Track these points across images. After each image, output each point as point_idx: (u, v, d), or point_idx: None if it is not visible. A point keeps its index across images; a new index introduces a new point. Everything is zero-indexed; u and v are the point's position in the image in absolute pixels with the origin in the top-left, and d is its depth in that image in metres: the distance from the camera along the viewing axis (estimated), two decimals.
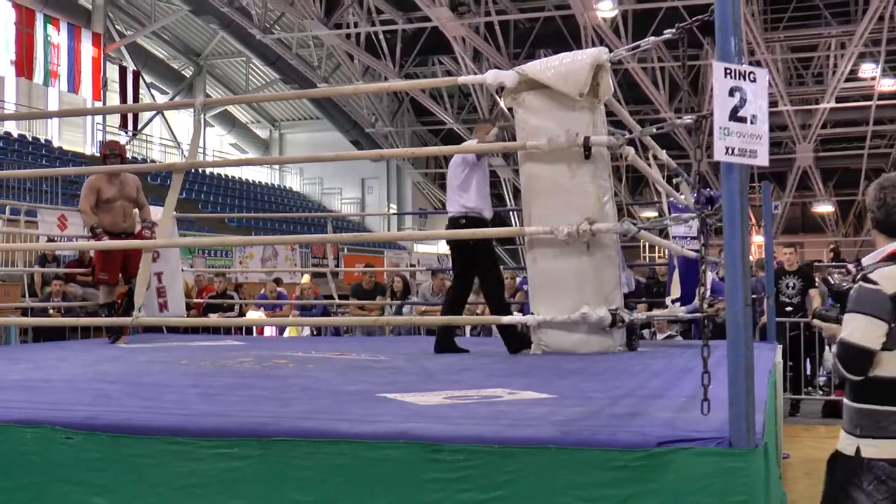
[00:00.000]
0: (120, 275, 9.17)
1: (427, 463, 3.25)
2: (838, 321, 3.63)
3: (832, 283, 5.31)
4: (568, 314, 3.56)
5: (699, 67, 30.83)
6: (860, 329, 3.41)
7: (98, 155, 30.54)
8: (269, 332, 13.87)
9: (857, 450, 3.46)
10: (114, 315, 8.92)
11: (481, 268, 7.24)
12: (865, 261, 3.71)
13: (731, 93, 2.92)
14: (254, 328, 13.42)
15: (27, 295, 11.48)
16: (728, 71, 2.92)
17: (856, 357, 3.42)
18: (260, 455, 3.42)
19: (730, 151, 2.93)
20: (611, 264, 3.66)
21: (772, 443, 3.64)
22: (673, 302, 7.81)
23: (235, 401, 4.48)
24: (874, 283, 3.42)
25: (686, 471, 3.04)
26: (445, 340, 7.36)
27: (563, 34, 27.04)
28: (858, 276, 3.52)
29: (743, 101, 2.93)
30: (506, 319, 4.05)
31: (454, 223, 7.13)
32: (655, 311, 6.96)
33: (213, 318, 11.15)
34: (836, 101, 32.12)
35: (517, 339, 7.09)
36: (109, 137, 33.24)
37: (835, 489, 3.52)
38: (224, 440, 3.47)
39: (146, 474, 3.53)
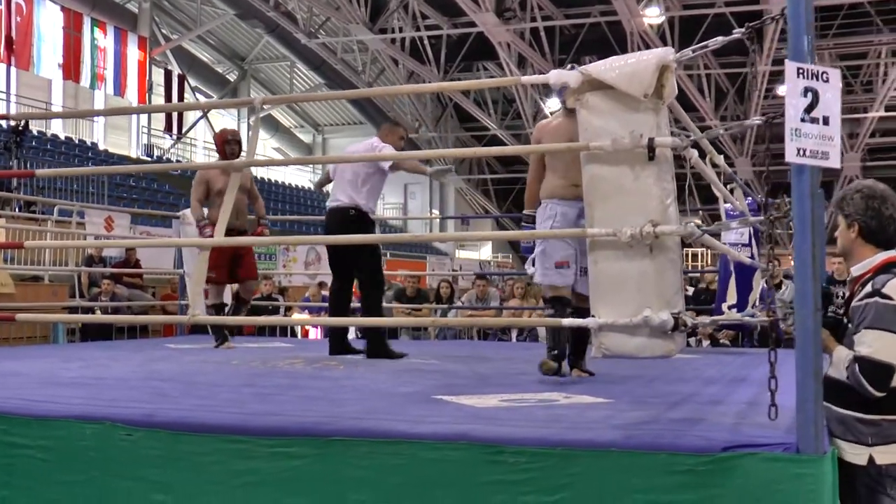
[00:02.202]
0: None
1: (488, 465, 3.23)
2: (823, 324, 3.62)
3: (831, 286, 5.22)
4: (629, 317, 3.51)
5: (745, 75, 30.59)
6: (885, 346, 3.42)
7: (143, 157, 30.82)
8: (313, 334, 13.90)
9: (871, 459, 3.48)
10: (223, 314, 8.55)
11: (364, 268, 7.21)
12: (854, 270, 3.71)
13: (804, 93, 2.88)
14: (298, 331, 13.46)
15: (75, 295, 11.59)
16: (801, 71, 2.88)
17: (881, 373, 3.44)
18: (318, 454, 3.41)
19: (801, 153, 2.89)
20: (673, 267, 3.62)
21: (836, 450, 3.58)
22: (730, 308, 7.74)
23: (290, 401, 4.49)
24: (890, 297, 3.45)
25: (753, 476, 3.00)
26: (380, 346, 7.16)
27: (608, 40, 26.93)
28: (868, 291, 3.51)
29: (815, 102, 2.89)
30: (566, 322, 4.00)
31: (343, 213, 7.11)
32: (707, 318, 6.88)
33: (263, 318, 11.17)
34: (885, 110, 31.76)
35: (379, 348, 7.06)
36: (154, 140, 33.58)
37: (859, 501, 3.52)
38: (282, 439, 3.47)
39: (205, 472, 3.54)
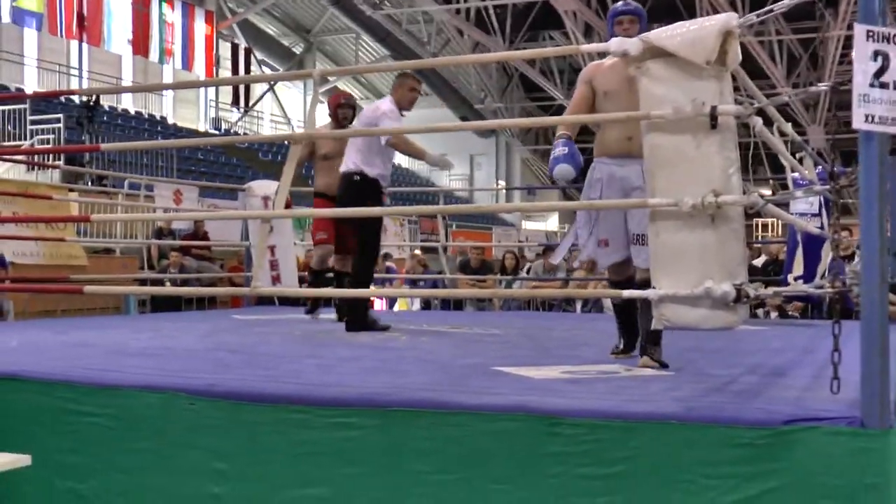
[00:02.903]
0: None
1: (547, 436, 3.22)
2: None
3: None
4: (691, 288, 3.47)
5: (820, 40, 29.95)
6: None
7: (211, 130, 31.12)
8: (378, 305, 13.97)
9: None
10: (321, 285, 8.27)
11: (363, 233, 6.88)
12: None
13: (874, 56, 2.79)
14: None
15: (145, 267, 11.75)
16: (871, 33, 2.79)
17: None
18: (379, 425, 3.43)
19: (870, 119, 2.82)
20: (736, 238, 3.55)
21: None
22: (796, 279, 7.61)
23: (352, 371, 4.51)
24: None
25: (815, 450, 2.96)
26: (358, 318, 6.87)
27: (676, 7, 26.58)
28: None
29: (886, 66, 2.80)
30: (626, 293, 3.96)
31: (348, 178, 6.90)
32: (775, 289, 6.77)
33: (326, 290, 11.23)
34: None
35: (359, 319, 6.79)
36: (222, 114, 33.87)
37: None
38: (342, 409, 3.49)
39: (265, 441, 3.58)
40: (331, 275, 8.35)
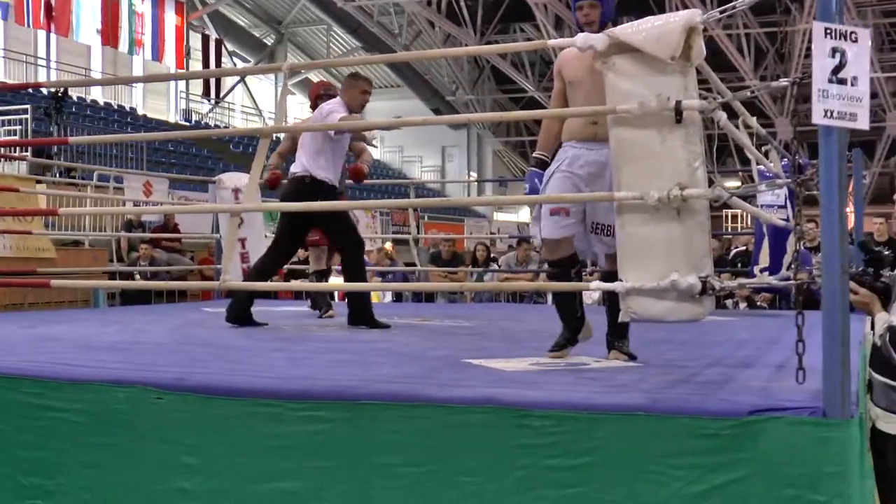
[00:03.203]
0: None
1: (515, 428, 3.24)
2: (873, 288, 3.58)
3: (873, 247, 5.11)
4: (657, 281, 3.51)
5: (786, 34, 30.17)
6: None
7: (181, 121, 30.94)
8: None
9: None
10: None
11: (335, 232, 6.88)
12: None
13: (832, 53, 2.84)
14: (335, 293, 13.51)
15: (114, 260, 11.69)
16: (828, 31, 2.84)
17: None
18: (348, 418, 3.44)
19: (828, 114, 2.86)
20: (701, 231, 3.60)
21: (864, 413, 3.57)
22: (762, 271, 7.69)
23: (322, 364, 4.53)
24: None
25: (778, 440, 3.00)
26: (239, 311, 6.80)
27: (646, 1, 26.66)
28: None
29: (843, 63, 2.85)
30: (593, 286, 4.00)
31: (297, 181, 6.79)
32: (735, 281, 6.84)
33: (296, 283, 11.22)
34: None
35: (363, 314, 6.73)
36: (192, 105, 33.71)
37: (888, 466, 3.49)
38: (312, 403, 3.50)
39: (235, 435, 3.58)
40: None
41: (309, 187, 6.75)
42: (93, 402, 3.80)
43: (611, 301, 4.41)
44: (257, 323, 6.83)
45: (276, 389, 3.61)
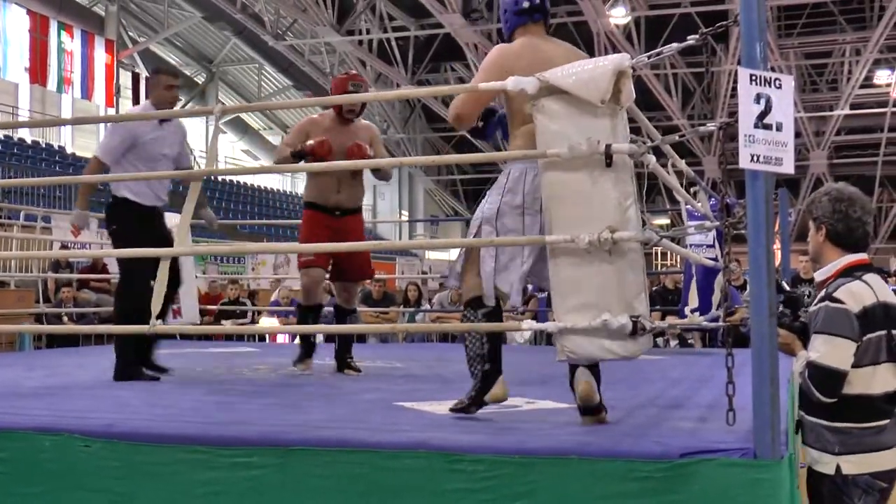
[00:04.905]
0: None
1: (447, 473, 3.22)
2: (791, 328, 3.65)
3: (786, 288, 5.20)
4: (589, 321, 3.53)
5: (713, 74, 30.76)
6: (832, 351, 3.44)
7: None
8: (281, 339, 13.84)
9: (838, 468, 3.49)
10: (317, 323, 6.88)
11: (120, 261, 6.08)
12: (818, 275, 3.75)
13: (757, 99, 2.90)
14: (267, 335, 13.41)
15: (41, 301, 11.47)
16: (753, 77, 2.89)
17: (829, 379, 3.44)
18: (279, 464, 3.40)
19: (755, 159, 2.91)
20: (633, 271, 3.63)
21: (794, 453, 3.61)
22: (692, 311, 7.78)
23: (253, 409, 4.47)
24: (840, 301, 3.47)
25: (710, 482, 3.01)
26: (126, 366, 5.84)
27: (575, 41, 26.97)
28: (822, 295, 3.54)
29: (769, 108, 2.91)
30: (525, 326, 4.01)
31: (110, 200, 6.14)
32: (672, 320, 6.91)
33: (227, 326, 11.13)
34: (851, 108, 32.09)
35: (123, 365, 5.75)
36: None
37: None
38: (244, 449, 3.45)
39: (165, 483, 3.51)
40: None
41: (110, 206, 6.17)
42: (17, 451, 3.70)
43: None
44: (152, 376, 5.93)
45: (207, 435, 3.56)
